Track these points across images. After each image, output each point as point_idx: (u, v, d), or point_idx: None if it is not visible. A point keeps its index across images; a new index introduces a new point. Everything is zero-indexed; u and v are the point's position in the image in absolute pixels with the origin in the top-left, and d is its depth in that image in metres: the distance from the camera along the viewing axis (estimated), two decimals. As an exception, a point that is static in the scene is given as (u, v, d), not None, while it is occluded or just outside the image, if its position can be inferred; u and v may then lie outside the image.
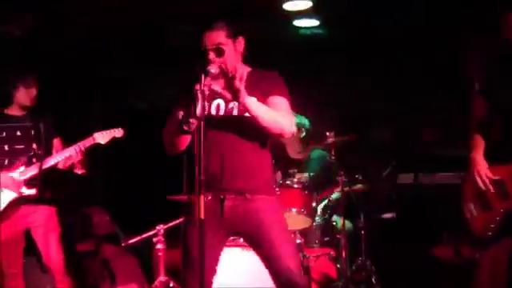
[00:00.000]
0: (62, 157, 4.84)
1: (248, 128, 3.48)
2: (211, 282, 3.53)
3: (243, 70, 3.47)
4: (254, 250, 3.57)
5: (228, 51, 3.52)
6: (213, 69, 3.33)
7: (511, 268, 3.80)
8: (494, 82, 3.89)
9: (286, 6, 6.17)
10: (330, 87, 7.13)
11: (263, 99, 3.49)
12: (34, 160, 4.86)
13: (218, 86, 3.35)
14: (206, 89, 3.21)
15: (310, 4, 6.13)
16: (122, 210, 6.63)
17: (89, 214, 6.49)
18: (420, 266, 5.71)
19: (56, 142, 5.07)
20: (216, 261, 3.56)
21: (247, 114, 3.44)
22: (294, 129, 3.51)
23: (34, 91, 5.01)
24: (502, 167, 3.81)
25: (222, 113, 3.54)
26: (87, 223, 6.44)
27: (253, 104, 3.35)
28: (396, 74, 6.69)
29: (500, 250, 3.84)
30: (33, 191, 4.84)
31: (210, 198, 3.43)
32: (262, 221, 3.47)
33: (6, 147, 4.90)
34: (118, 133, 4.89)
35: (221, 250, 3.59)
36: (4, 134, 4.93)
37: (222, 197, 3.48)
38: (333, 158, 5.58)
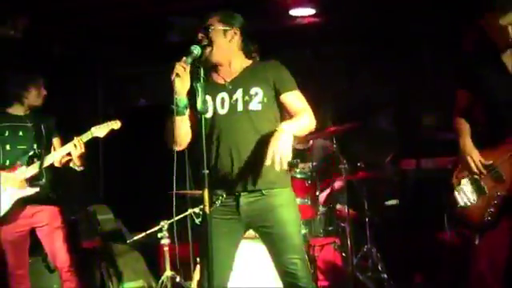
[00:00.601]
0: (61, 154, 4.83)
1: (255, 121, 3.44)
2: (228, 279, 3.50)
3: (240, 64, 3.49)
4: (265, 244, 3.53)
5: (217, 35, 3.45)
6: (195, 49, 3.30)
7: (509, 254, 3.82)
8: (476, 72, 3.90)
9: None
10: (329, 76, 7.12)
11: (271, 92, 3.46)
12: (35, 159, 4.86)
13: (201, 70, 3.28)
14: (184, 68, 3.21)
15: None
16: (126, 206, 6.63)
17: (93, 212, 6.49)
18: (425, 251, 5.71)
19: (56, 141, 5.06)
20: (233, 258, 3.52)
21: (252, 108, 3.42)
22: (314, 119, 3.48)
23: (44, 92, 5.01)
24: (490, 151, 3.82)
25: (226, 106, 3.46)
26: (92, 221, 6.44)
27: (293, 132, 3.30)
28: (395, 60, 6.68)
29: (498, 235, 3.85)
30: (36, 190, 4.84)
31: (224, 195, 3.43)
32: (278, 217, 3.44)
33: (8, 147, 4.89)
34: (115, 125, 4.85)
35: (237, 247, 3.56)
36: (6, 133, 4.91)
37: (237, 193, 3.44)
38: (334, 146, 5.59)
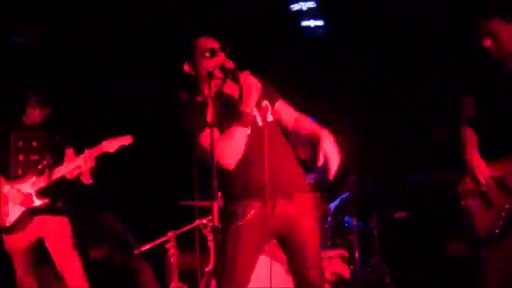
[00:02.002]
0: (71, 167, 4.82)
1: (276, 131, 3.47)
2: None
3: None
4: (285, 253, 3.53)
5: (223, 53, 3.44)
6: (216, 70, 3.32)
7: None
8: (482, 83, 3.88)
9: (293, 7, 6.17)
10: (339, 87, 7.10)
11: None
12: (47, 170, 4.85)
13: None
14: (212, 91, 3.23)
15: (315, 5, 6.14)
16: (134, 216, 6.62)
17: (101, 221, 6.49)
18: (434, 264, 5.68)
19: (68, 152, 5.04)
20: (252, 270, 3.49)
21: (270, 119, 3.45)
22: None
23: (36, 111, 4.96)
24: (498, 163, 3.81)
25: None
26: (99, 230, 6.44)
27: None
28: (406, 71, 6.66)
29: (508, 247, 3.83)
30: (44, 201, 4.84)
31: (256, 206, 3.38)
32: (302, 226, 3.44)
33: (21, 158, 4.89)
34: (126, 140, 4.84)
35: (258, 258, 3.53)
36: (20, 144, 4.91)
37: (273, 204, 3.38)
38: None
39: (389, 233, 6.04)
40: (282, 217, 3.41)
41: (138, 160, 6.72)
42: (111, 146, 4.76)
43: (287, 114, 3.58)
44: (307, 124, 3.56)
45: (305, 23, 6.62)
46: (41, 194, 4.84)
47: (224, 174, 3.33)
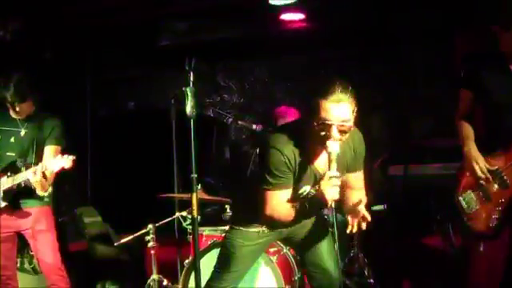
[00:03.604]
0: (20, 179, 4.64)
1: None
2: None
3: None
4: (299, 254, 3.89)
5: (351, 128, 3.26)
6: (334, 147, 3.16)
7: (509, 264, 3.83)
8: (481, 78, 3.90)
9: (272, 1, 6.14)
10: (317, 80, 7.11)
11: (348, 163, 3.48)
12: (22, 169, 4.73)
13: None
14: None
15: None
16: (113, 209, 6.61)
17: (80, 214, 6.46)
18: (412, 256, 5.72)
19: (46, 149, 4.84)
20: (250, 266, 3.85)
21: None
22: None
23: (29, 105, 4.80)
24: (495, 157, 3.84)
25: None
26: (79, 223, 6.41)
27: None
28: (386, 64, 6.69)
29: (497, 245, 3.87)
30: (6, 203, 4.75)
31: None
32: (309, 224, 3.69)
33: None
34: (67, 163, 4.48)
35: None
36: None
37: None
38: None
39: (367, 225, 6.07)
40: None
41: (118, 151, 6.72)
42: (54, 164, 4.51)
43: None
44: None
45: (285, 16, 6.61)
46: (6, 195, 4.74)
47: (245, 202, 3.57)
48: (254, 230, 3.61)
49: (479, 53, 4.03)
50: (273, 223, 3.52)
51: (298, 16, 6.59)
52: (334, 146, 3.13)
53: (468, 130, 3.97)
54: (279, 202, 3.34)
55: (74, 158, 4.50)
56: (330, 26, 6.66)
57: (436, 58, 6.40)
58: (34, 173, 4.54)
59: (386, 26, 6.41)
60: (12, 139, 4.81)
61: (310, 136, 3.22)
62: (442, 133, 5.56)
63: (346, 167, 3.41)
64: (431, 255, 5.52)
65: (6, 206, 4.73)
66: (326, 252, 3.70)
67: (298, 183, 3.33)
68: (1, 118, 4.85)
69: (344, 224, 5.90)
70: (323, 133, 3.14)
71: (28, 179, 4.59)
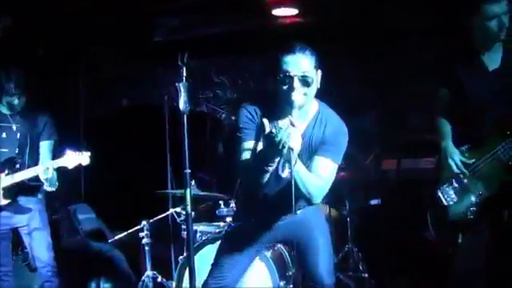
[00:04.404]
0: (29, 175, 4.69)
1: None
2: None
3: (312, 108, 3.44)
4: (297, 254, 3.83)
5: (313, 84, 3.31)
6: (298, 101, 3.20)
7: (491, 252, 3.89)
8: (456, 72, 3.96)
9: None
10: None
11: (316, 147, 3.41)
12: (18, 167, 4.75)
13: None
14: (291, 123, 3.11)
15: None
16: (108, 205, 6.60)
17: (74, 211, 6.45)
18: (406, 251, 5.74)
19: (43, 144, 4.90)
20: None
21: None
22: (321, 199, 3.41)
23: (22, 100, 4.82)
24: (472, 151, 3.95)
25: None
26: (73, 220, 6.40)
27: (297, 167, 3.19)
28: (380, 60, 6.69)
29: (477, 236, 3.95)
30: (8, 201, 4.74)
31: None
32: (309, 227, 3.63)
33: None
34: (84, 160, 4.65)
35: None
36: None
37: (274, 219, 3.60)
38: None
39: (361, 220, 6.09)
40: (288, 223, 3.58)
41: (112, 148, 6.71)
42: (70, 161, 4.63)
43: None
44: None
45: (277, 11, 6.60)
46: (7, 192, 4.76)
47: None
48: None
49: (454, 50, 4.10)
50: (245, 178, 3.53)
51: (291, 11, 6.57)
52: (297, 96, 3.20)
53: (444, 126, 4.08)
54: (245, 152, 3.37)
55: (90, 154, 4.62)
56: (325, 21, 6.65)
57: (429, 53, 6.41)
58: (47, 169, 4.56)
59: (380, 21, 6.41)
60: (4, 135, 4.80)
61: (276, 96, 3.32)
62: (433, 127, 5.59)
63: (312, 148, 3.39)
64: (425, 249, 5.53)
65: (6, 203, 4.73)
66: (322, 259, 3.64)
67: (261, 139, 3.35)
68: None
69: (338, 219, 5.96)
70: (286, 86, 3.24)
71: (34, 176, 4.61)
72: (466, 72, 3.92)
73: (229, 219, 4.97)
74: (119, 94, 7.91)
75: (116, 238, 5.58)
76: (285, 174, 3.19)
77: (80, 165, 4.65)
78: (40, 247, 4.87)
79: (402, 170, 6.02)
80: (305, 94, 3.24)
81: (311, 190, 3.29)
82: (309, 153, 3.37)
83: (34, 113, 4.89)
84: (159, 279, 5.41)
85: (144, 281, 5.38)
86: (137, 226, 5.43)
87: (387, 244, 5.82)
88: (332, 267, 3.67)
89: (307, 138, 3.35)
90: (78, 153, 4.64)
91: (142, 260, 5.59)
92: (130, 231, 5.47)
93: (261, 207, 3.53)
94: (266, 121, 3.08)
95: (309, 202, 3.39)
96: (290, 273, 4.71)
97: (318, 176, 3.33)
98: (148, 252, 5.39)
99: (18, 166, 4.75)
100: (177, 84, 3.18)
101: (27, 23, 6.17)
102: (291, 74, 3.22)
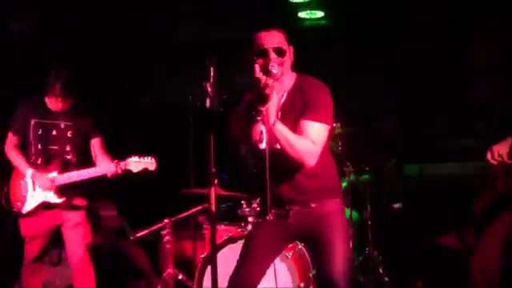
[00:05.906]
0: (93, 175, 4.74)
1: None
2: (258, 283, 3.59)
3: (290, 79, 3.52)
4: (311, 251, 3.78)
5: (287, 55, 3.49)
6: (274, 69, 3.35)
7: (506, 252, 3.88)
8: None
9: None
10: (336, 79, 7.11)
11: (300, 114, 3.43)
12: (71, 169, 4.76)
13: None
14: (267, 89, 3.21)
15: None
16: (130, 203, 6.64)
17: (97, 208, 6.49)
18: (426, 255, 5.72)
19: (95, 142, 4.93)
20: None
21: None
22: (314, 161, 3.39)
23: (59, 100, 4.76)
24: None
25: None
26: (95, 217, 6.44)
27: (277, 128, 3.27)
28: (402, 66, 6.68)
29: (489, 243, 3.97)
30: (61, 200, 4.77)
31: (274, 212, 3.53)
32: (326, 225, 3.52)
33: (40, 146, 4.77)
34: (151, 165, 4.79)
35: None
36: (40, 131, 4.76)
37: (287, 208, 3.53)
38: (340, 148, 5.61)
39: (383, 223, 6.08)
40: (302, 217, 3.53)
41: (134, 146, 6.74)
42: (136, 166, 4.73)
43: None
44: None
45: (303, 14, 6.62)
46: (60, 191, 4.78)
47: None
48: None
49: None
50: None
51: (315, 14, 6.59)
52: (273, 65, 3.37)
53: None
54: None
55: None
56: (347, 25, 6.66)
57: (453, 58, 6.39)
58: (116, 166, 4.69)
59: (404, 26, 6.41)
60: (54, 132, 4.82)
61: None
62: (455, 133, 5.57)
63: (298, 115, 3.42)
64: (446, 254, 5.52)
65: (49, 205, 4.77)
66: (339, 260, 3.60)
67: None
68: (40, 111, 4.81)
69: (358, 222, 5.96)
70: (262, 58, 3.42)
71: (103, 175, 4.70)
72: None
73: (251, 219, 4.98)
74: (140, 93, 7.95)
75: (137, 235, 5.61)
76: (264, 145, 3.31)
77: (146, 170, 4.74)
78: (79, 243, 4.82)
79: (423, 174, 6.01)
80: (280, 65, 3.40)
81: (299, 149, 3.31)
82: (294, 120, 3.41)
83: (81, 111, 4.90)
84: (180, 277, 5.44)
85: (165, 278, 5.41)
86: (159, 223, 5.46)
87: (408, 248, 5.81)
88: (347, 269, 3.54)
89: (289, 106, 3.46)
90: (145, 158, 4.74)
91: (163, 258, 5.62)
92: (151, 229, 5.49)
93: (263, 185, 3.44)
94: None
95: (304, 165, 3.38)
96: (311, 274, 4.71)
97: (305, 137, 3.36)
98: (169, 250, 5.42)
99: (72, 164, 4.80)
100: (204, 83, 3.21)
101: (51, 22, 6.22)
102: (266, 46, 3.43)
